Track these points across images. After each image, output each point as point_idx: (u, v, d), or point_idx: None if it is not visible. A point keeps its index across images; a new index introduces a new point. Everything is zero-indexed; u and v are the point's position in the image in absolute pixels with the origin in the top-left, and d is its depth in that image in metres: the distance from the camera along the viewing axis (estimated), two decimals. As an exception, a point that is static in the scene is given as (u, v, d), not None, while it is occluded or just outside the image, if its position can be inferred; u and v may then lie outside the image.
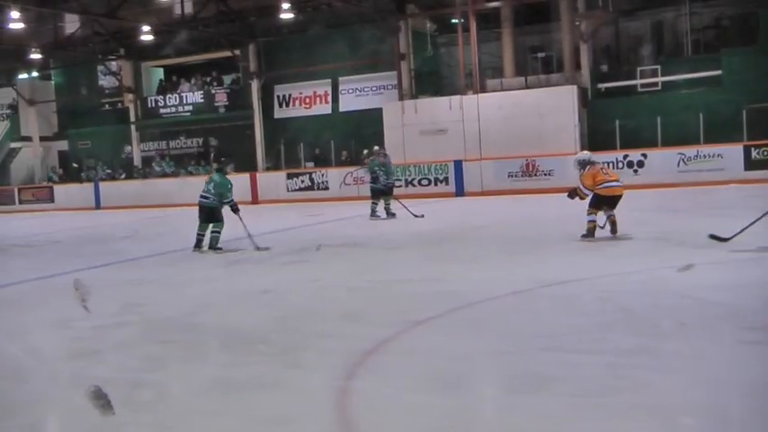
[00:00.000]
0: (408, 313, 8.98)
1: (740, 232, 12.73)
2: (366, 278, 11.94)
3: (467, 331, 8.20)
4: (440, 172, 30.32)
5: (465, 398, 6.15)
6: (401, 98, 32.68)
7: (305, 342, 7.99)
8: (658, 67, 31.26)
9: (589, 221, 14.33)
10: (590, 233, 14.29)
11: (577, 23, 31.01)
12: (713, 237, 13.08)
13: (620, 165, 27.55)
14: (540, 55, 33.88)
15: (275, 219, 23.74)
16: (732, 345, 7.15)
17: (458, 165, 29.88)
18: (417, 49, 33.71)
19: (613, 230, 14.42)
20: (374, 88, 34.58)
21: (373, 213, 21.72)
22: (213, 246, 15.98)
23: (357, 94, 34.96)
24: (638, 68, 31.72)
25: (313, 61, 34.81)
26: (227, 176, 16.55)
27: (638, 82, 31.31)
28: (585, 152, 15.03)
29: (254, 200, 32.98)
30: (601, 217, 14.37)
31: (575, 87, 30.00)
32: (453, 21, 33.48)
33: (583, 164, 14.74)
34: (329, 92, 35.78)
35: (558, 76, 31.34)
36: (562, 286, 10.27)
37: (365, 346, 7.51)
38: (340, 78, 35.33)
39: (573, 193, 14.89)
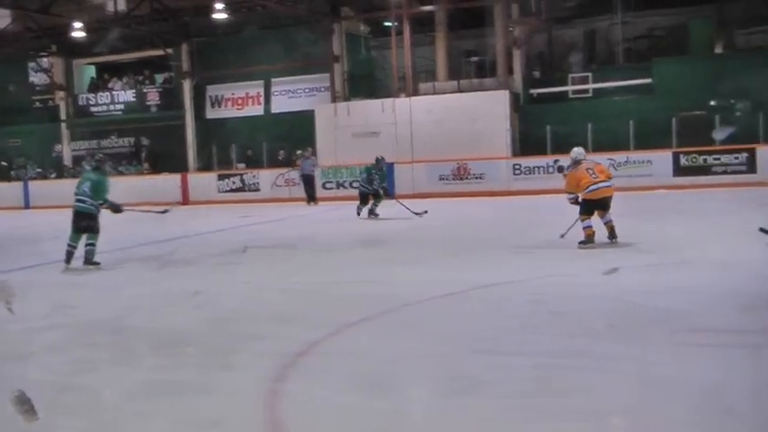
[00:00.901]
0: (340, 315, 8.97)
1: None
2: (298, 280, 11.89)
3: (399, 333, 8.21)
4: (372, 174, 30.35)
5: (396, 400, 6.16)
6: (334, 100, 32.68)
7: (236, 344, 7.94)
8: (590, 74, 31.68)
9: (585, 228, 13.73)
10: (588, 240, 13.64)
11: (511, 29, 31.23)
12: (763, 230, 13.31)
13: (551, 170, 27.90)
14: (474, 59, 34.11)
15: (206, 220, 23.61)
16: (663, 347, 7.24)
17: (389, 167, 29.88)
18: (351, 51, 33.78)
19: (611, 236, 13.75)
20: (307, 90, 34.51)
21: (360, 213, 21.71)
22: (89, 260, 13.95)
23: (290, 95, 34.87)
24: (570, 75, 32.12)
25: (246, 62, 34.64)
26: (104, 175, 14.62)
27: (570, 88, 31.69)
28: (576, 149, 14.51)
29: (185, 200, 32.76)
30: (586, 222, 13.81)
31: (507, 92, 30.21)
32: (387, 24, 33.54)
33: (573, 162, 14.27)
34: (262, 93, 35.63)
35: (491, 80, 31.56)
36: (493, 289, 10.32)
37: (296, 348, 7.47)
38: (273, 80, 35.22)
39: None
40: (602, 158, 26.99)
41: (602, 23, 33.81)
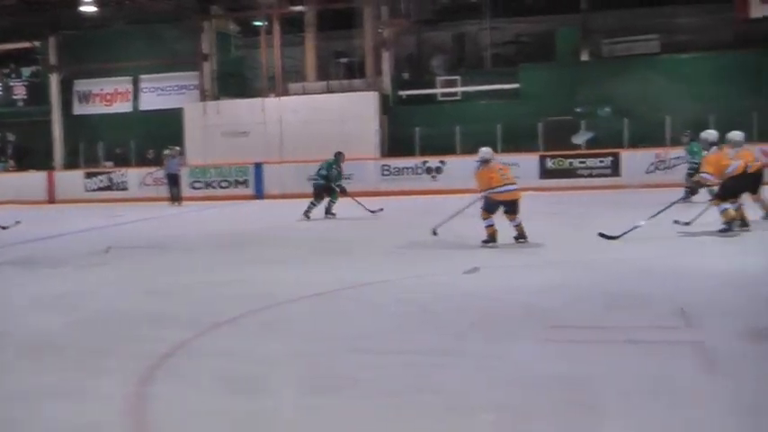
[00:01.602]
0: (209, 315, 8.88)
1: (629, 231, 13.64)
2: (166, 280, 11.72)
3: (269, 333, 8.17)
4: (240, 174, 30.27)
5: (265, 400, 6.11)
6: (203, 99, 32.43)
7: (102, 347, 7.74)
8: (458, 77, 32.10)
9: (487, 227, 13.86)
10: (491, 238, 13.79)
11: (380, 31, 31.43)
12: (602, 235, 13.75)
13: (419, 171, 28.29)
14: (343, 60, 34.12)
15: (72, 219, 23.12)
16: (531, 344, 7.37)
17: (258, 167, 29.90)
18: (220, 49, 33.53)
19: (520, 237, 13.89)
20: (176, 88, 34.14)
21: (310, 215, 20.67)
22: None
23: (159, 93, 34.43)
24: (439, 78, 32.49)
25: (115, 57, 33.94)
26: None
27: (439, 91, 32.10)
28: (485, 149, 14.49)
29: (51, 199, 32.18)
30: (488, 221, 13.89)
31: (376, 93, 30.51)
32: (257, 23, 33.46)
33: (483, 161, 14.24)
34: (130, 90, 35.06)
35: (360, 81, 31.72)
36: (364, 288, 10.38)
37: (165, 350, 7.36)
38: (141, 76, 34.69)
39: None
40: (470, 161, 27.51)
41: (470, 28, 34.28)
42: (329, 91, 31.51)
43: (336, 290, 10.31)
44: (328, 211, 20.72)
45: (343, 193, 20.89)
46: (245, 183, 30.25)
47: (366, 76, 31.63)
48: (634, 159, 27.60)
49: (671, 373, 6.37)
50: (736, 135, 15.09)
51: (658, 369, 6.49)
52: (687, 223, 14.32)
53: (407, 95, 32.47)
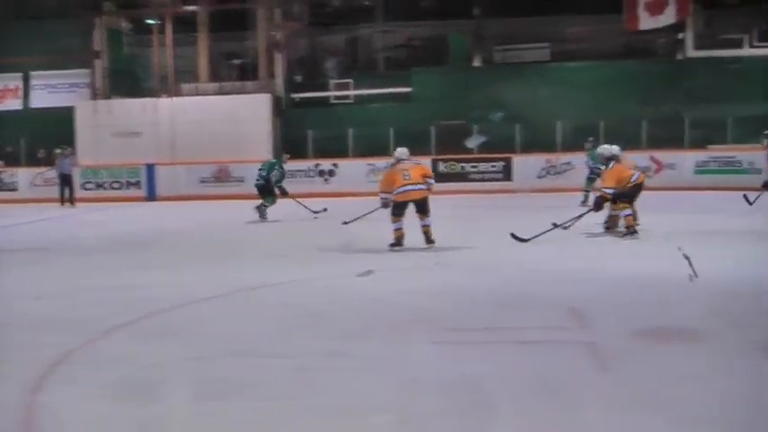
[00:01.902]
0: (100, 321, 8.68)
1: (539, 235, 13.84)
2: (56, 285, 11.41)
3: (157, 338, 8.04)
4: (132, 175, 29.73)
5: (155, 407, 6.09)
6: (94, 97, 31.78)
7: None
8: (351, 80, 32.13)
9: (395, 230, 13.71)
10: (397, 242, 13.67)
11: (273, 33, 31.30)
12: (513, 236, 13.88)
13: (312, 174, 28.24)
14: (236, 62, 33.90)
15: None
16: (421, 346, 7.43)
17: (150, 169, 29.48)
18: (112, 47, 32.82)
19: (427, 241, 13.75)
20: (67, 86, 33.20)
21: (263, 214, 20.19)
22: None
23: (50, 90, 33.37)
24: (332, 81, 32.49)
25: (3, 53, 32.84)
26: None
27: (332, 94, 32.09)
28: (400, 149, 14.31)
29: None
30: (396, 224, 13.77)
31: (269, 96, 30.39)
32: (150, 21, 32.98)
33: (394, 162, 14.11)
34: (20, 86, 34.05)
35: (253, 83, 31.52)
36: (253, 292, 10.36)
37: (53, 357, 7.20)
38: (32, 73, 33.70)
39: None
40: (363, 164, 27.72)
41: (363, 31, 34.29)
42: (222, 92, 31.24)
43: (225, 294, 10.24)
44: (261, 215, 20.00)
45: (284, 194, 20.61)
46: (136, 184, 29.68)
47: (259, 78, 31.43)
48: (526, 164, 27.93)
49: (562, 373, 6.52)
50: (614, 149, 15.55)
51: (550, 369, 6.63)
52: (565, 227, 14.50)
53: (300, 98, 32.35)
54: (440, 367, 6.77)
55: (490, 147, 28.62)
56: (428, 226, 13.78)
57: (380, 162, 26.99)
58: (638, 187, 14.79)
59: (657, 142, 26.86)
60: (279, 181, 20.44)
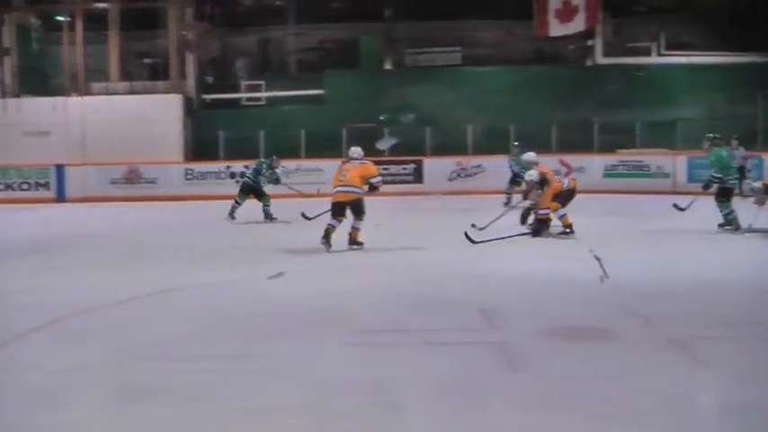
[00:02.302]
0: (7, 326, 8.56)
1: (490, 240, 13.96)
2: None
3: (69, 343, 7.94)
4: (41, 176, 29.13)
5: (67, 414, 6.02)
6: (3, 96, 31.18)
7: None
8: (263, 82, 32.12)
9: (327, 224, 13.97)
10: (323, 235, 13.75)
11: (184, 33, 31.13)
12: (468, 237, 13.99)
13: (223, 175, 28.12)
14: (148, 61, 33.59)
15: None
16: (331, 347, 7.50)
17: (60, 169, 29.01)
18: (22, 44, 32.17)
19: (349, 242, 13.95)
20: (-24, 84, 32.70)
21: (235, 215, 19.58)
22: None
23: (-41, 88, 32.83)
24: (244, 82, 32.43)
25: None
26: None
27: (244, 95, 32.03)
28: (354, 148, 14.67)
29: None
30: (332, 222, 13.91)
31: (180, 96, 30.25)
32: (60, 18, 32.54)
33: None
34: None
35: (165, 83, 31.27)
36: (166, 295, 10.29)
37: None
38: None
39: None
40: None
41: (275, 33, 34.24)
42: (133, 92, 30.91)
43: (137, 297, 10.11)
44: (268, 216, 19.49)
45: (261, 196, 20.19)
46: (46, 185, 29.02)
47: (170, 78, 31.22)
48: (436, 167, 28.19)
49: (473, 374, 6.61)
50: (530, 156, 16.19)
51: (461, 370, 6.72)
52: (482, 228, 14.67)
53: (212, 99, 32.26)
54: (351, 369, 6.82)
55: (401, 149, 28.83)
56: (355, 229, 13.96)
57: (292, 164, 27.10)
58: (572, 192, 15.35)
59: (567, 146, 27.38)
60: (271, 182, 20.25)
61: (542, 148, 24.68)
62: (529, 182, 15.33)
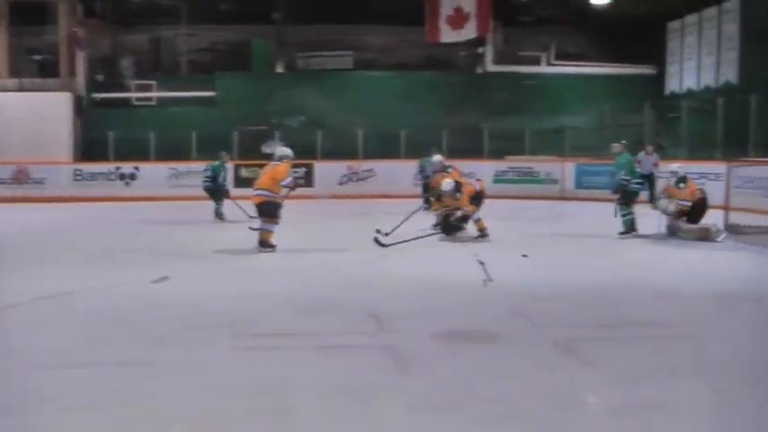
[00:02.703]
0: None
1: (401, 242, 14.21)
2: None
3: None
4: (-76, 175, 28.51)
5: None
6: None
7: None
8: (154, 82, 31.87)
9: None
10: (262, 243, 14.01)
11: (75, 30, 30.71)
12: (377, 242, 14.16)
13: (113, 177, 27.87)
14: (37, 57, 33.13)
15: None
16: (225, 351, 7.51)
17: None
18: None
19: (258, 244, 14.04)
20: None
21: (219, 214, 19.96)
22: None
23: None
24: (135, 82, 32.14)
25: None
26: None
27: (135, 95, 31.75)
28: (280, 148, 14.74)
29: None
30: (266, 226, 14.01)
31: (70, 94, 29.85)
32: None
33: None
34: None
35: (55, 81, 30.80)
36: (57, 300, 9.98)
37: None
38: None
39: None
40: (164, 168, 27.53)
41: (168, 33, 33.94)
42: (22, 89, 30.38)
43: (25, 302, 9.80)
44: (219, 215, 19.90)
45: (226, 196, 20.40)
46: (-70, 185, 28.38)
47: (60, 75, 30.81)
48: (327, 170, 28.34)
49: (363, 377, 6.70)
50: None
51: (351, 373, 6.82)
52: (387, 234, 14.80)
53: (102, 98, 31.88)
54: (242, 373, 6.81)
55: (294, 152, 28.82)
56: (263, 231, 14.05)
57: (182, 166, 27.02)
58: (482, 194, 15.76)
59: (457, 152, 27.70)
60: (225, 180, 20.37)
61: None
62: (446, 192, 15.56)
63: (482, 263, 11.53)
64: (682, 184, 15.52)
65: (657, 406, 6.12)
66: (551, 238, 16.23)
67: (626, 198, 15.93)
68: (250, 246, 14.19)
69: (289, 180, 14.35)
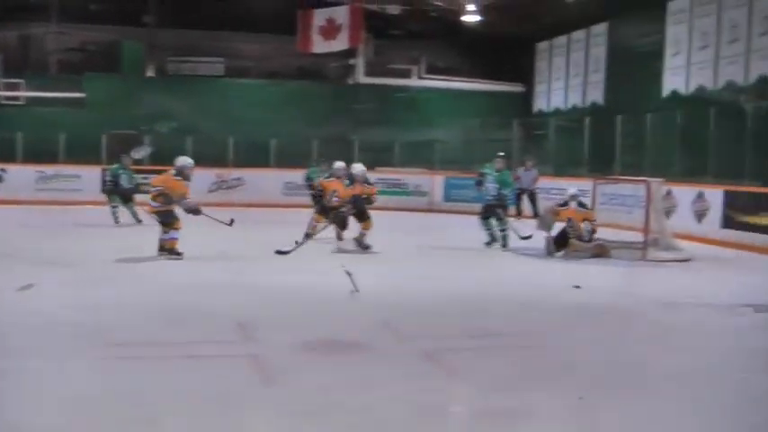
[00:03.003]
0: None
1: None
2: None
3: None
4: None
5: None
6: None
7: None
8: (22, 81, 31.16)
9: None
10: (165, 250, 13.99)
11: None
12: (279, 251, 14.29)
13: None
14: None
15: None
16: (88, 361, 7.45)
17: None
18: None
19: (162, 250, 14.08)
20: None
21: (116, 218, 19.98)
22: None
23: None
24: (2, 80, 31.35)
25: None
26: None
27: (2, 94, 30.97)
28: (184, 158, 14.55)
29: None
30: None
31: None
32: None
33: None
34: None
35: None
36: None
37: None
38: None
39: None
40: (32, 170, 26.95)
41: (37, 30, 33.25)
42: None
43: None
44: (134, 217, 20.19)
45: (129, 199, 20.62)
46: None
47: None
48: (197, 178, 27.26)
49: (228, 388, 6.67)
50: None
51: (216, 384, 6.80)
52: (286, 252, 14.82)
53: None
54: (106, 384, 6.74)
55: (163, 158, 28.65)
56: (162, 239, 14.14)
57: (50, 169, 26.57)
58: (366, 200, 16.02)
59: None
60: (129, 184, 20.64)
61: (303, 162, 25.29)
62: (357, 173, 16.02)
63: (349, 273, 11.59)
64: (580, 206, 15.84)
65: (523, 414, 6.35)
66: (419, 249, 16.46)
67: (494, 213, 16.28)
68: (119, 253, 14.13)
69: (190, 201, 14.31)
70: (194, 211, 14.41)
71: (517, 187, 22.68)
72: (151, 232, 14.67)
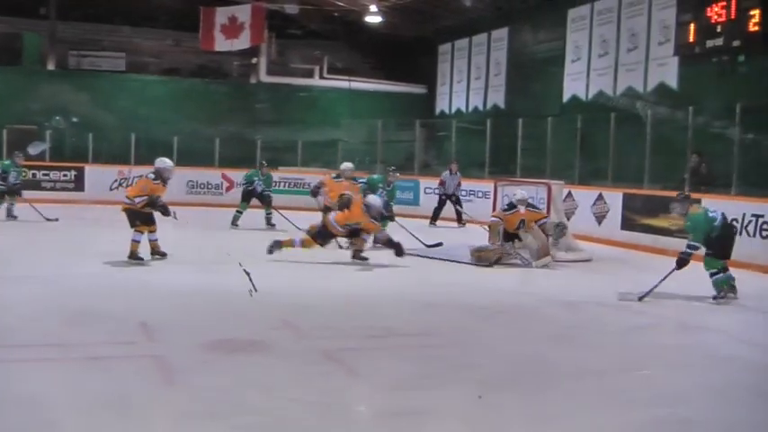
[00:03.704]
0: None
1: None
2: None
3: None
4: None
5: None
6: None
7: None
8: None
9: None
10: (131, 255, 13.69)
11: None
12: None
13: None
14: None
15: None
16: None
17: None
18: None
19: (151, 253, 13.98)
20: None
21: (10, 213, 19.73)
22: None
23: None
24: None
25: None
26: None
27: None
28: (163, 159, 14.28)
29: None
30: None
31: None
32: None
33: None
34: None
35: None
36: None
37: None
38: None
39: None
40: None
41: None
42: None
43: None
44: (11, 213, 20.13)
45: (17, 195, 20.54)
46: None
47: None
48: (98, 175, 27.83)
49: (131, 389, 6.64)
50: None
51: (118, 385, 6.75)
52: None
53: None
54: (5, 386, 6.62)
55: (63, 155, 28.37)
56: (151, 240, 14.04)
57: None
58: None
59: (229, 161, 27.89)
60: (18, 180, 20.39)
61: (205, 161, 25.24)
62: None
63: (248, 272, 11.68)
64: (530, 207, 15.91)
65: (424, 412, 6.41)
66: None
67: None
68: (17, 251, 13.96)
69: (143, 199, 13.91)
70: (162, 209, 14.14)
71: (442, 192, 22.98)
72: (44, 230, 14.44)
